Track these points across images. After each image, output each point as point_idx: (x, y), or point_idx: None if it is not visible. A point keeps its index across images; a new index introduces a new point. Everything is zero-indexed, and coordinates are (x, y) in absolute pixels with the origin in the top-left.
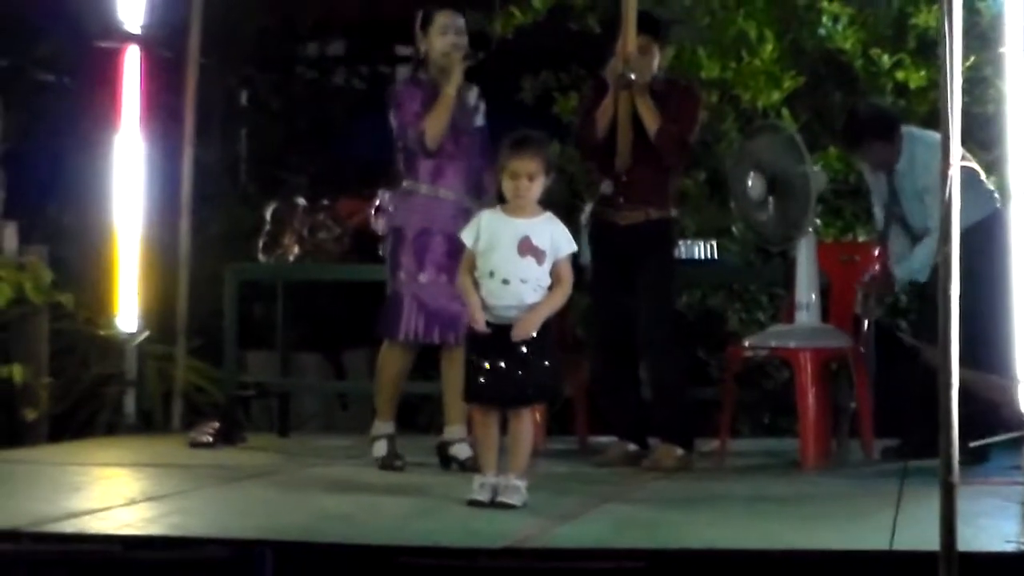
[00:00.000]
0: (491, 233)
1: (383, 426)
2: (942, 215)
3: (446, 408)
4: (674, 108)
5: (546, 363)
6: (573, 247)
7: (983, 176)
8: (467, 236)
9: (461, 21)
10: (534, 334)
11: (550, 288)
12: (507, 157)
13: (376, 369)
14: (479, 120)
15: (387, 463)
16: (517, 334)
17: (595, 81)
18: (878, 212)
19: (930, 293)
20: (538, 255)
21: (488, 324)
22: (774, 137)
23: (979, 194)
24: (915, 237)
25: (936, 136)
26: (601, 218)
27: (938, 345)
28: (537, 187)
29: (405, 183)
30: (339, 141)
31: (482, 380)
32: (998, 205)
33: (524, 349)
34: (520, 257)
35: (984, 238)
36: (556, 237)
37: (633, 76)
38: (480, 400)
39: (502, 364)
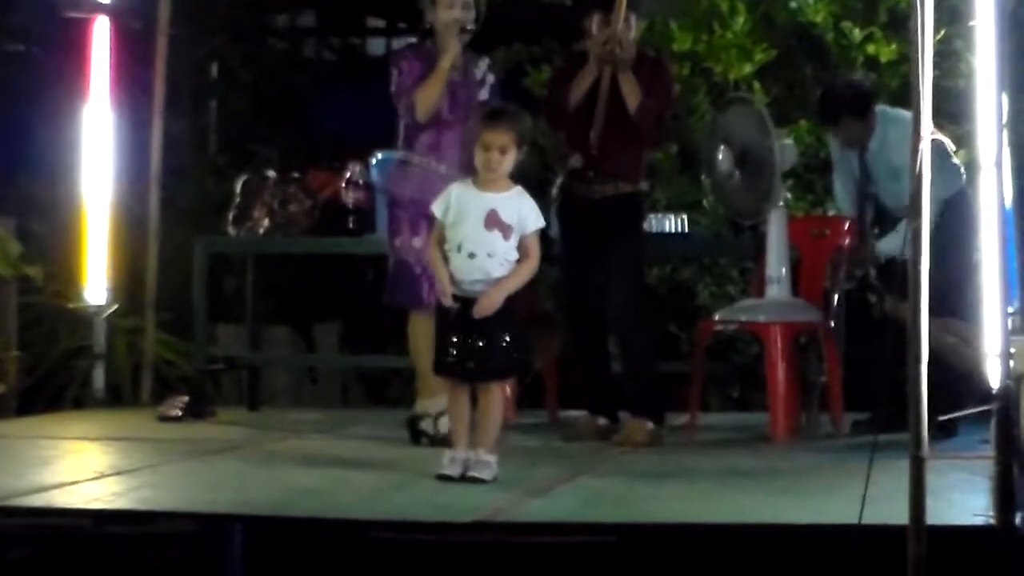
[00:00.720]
0: (460, 206)
1: (437, 402)
2: (912, 188)
3: (424, 377)
4: (645, 80)
5: (512, 337)
6: (541, 223)
7: (952, 152)
8: (438, 208)
9: None
10: (499, 308)
11: (518, 263)
12: (480, 129)
13: (410, 342)
14: (485, 93)
15: (447, 437)
16: (479, 310)
17: (568, 53)
18: (839, 189)
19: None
20: (504, 229)
21: (455, 298)
22: (743, 110)
23: (949, 171)
24: (887, 215)
25: (908, 114)
26: (571, 192)
27: (908, 307)
28: (508, 160)
29: (401, 153)
30: (309, 113)
31: (450, 354)
32: (964, 182)
33: (490, 324)
34: (487, 231)
35: (953, 213)
36: (524, 212)
37: (619, 51)
38: (448, 373)
39: (468, 338)
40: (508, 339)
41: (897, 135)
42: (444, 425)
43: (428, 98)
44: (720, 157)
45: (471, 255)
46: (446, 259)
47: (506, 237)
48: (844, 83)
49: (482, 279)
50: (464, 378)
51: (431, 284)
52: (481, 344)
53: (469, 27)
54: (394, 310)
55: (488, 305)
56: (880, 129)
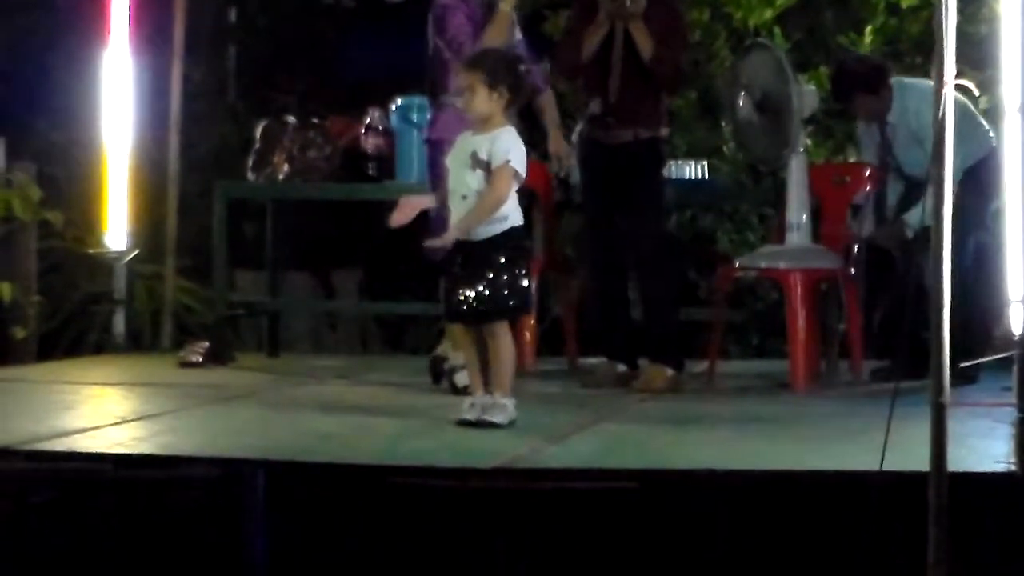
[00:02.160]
0: (456, 153)
1: (459, 355)
2: (935, 134)
3: (449, 329)
4: (658, 27)
5: (505, 279)
6: (508, 158)
7: (977, 115)
8: (448, 159)
9: None
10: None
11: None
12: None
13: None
14: (517, 33)
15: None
16: (430, 244)
17: (580, 1)
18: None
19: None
20: (483, 167)
21: (457, 242)
22: (764, 56)
23: (976, 134)
24: (912, 185)
25: (927, 83)
26: (591, 138)
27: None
28: (478, 100)
29: (444, 96)
30: (329, 59)
31: (451, 298)
32: (994, 143)
33: (480, 266)
34: (471, 172)
35: (983, 176)
36: (495, 146)
37: (631, 4)
38: (454, 318)
39: (466, 281)
40: (505, 280)
41: (916, 103)
42: (462, 379)
43: (497, 41)
44: (740, 103)
45: (463, 197)
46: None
47: (487, 175)
48: (855, 59)
49: None
50: (469, 320)
51: None
52: (479, 285)
53: None
54: (416, 256)
55: (446, 242)
56: (898, 100)
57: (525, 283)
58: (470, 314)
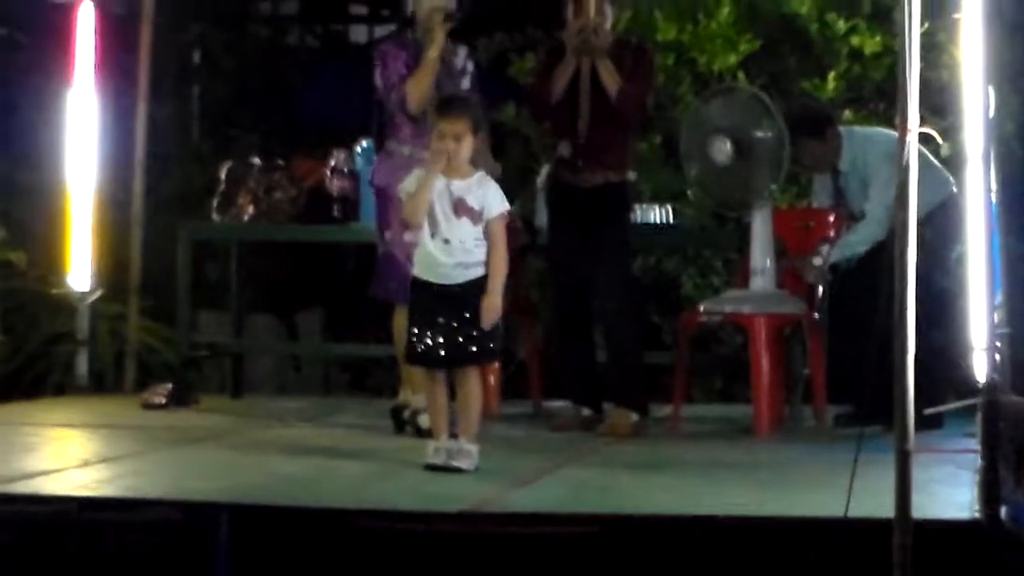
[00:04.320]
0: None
1: (420, 397)
2: (899, 180)
3: (406, 373)
4: (628, 67)
5: (486, 324)
6: (505, 207)
7: (935, 161)
8: (404, 192)
9: None
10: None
11: (488, 250)
12: (434, 118)
13: (395, 336)
14: (466, 83)
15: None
16: (487, 318)
17: (550, 44)
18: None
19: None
20: (473, 215)
21: (430, 285)
22: (733, 99)
23: (934, 178)
24: None
25: (877, 131)
26: (560, 181)
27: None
28: (465, 147)
29: (388, 143)
30: (292, 100)
31: (422, 341)
32: (954, 189)
33: (463, 309)
34: (456, 218)
35: (941, 221)
36: (488, 197)
37: (594, 40)
38: (420, 361)
39: (445, 325)
40: (476, 325)
41: (864, 150)
42: (425, 421)
43: (420, 89)
44: (717, 147)
45: (446, 241)
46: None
47: (475, 223)
48: (799, 105)
49: (461, 262)
50: (439, 365)
51: None
52: (457, 330)
53: (448, 14)
54: (377, 299)
55: (492, 311)
56: (848, 149)
57: (499, 329)
58: (444, 359)
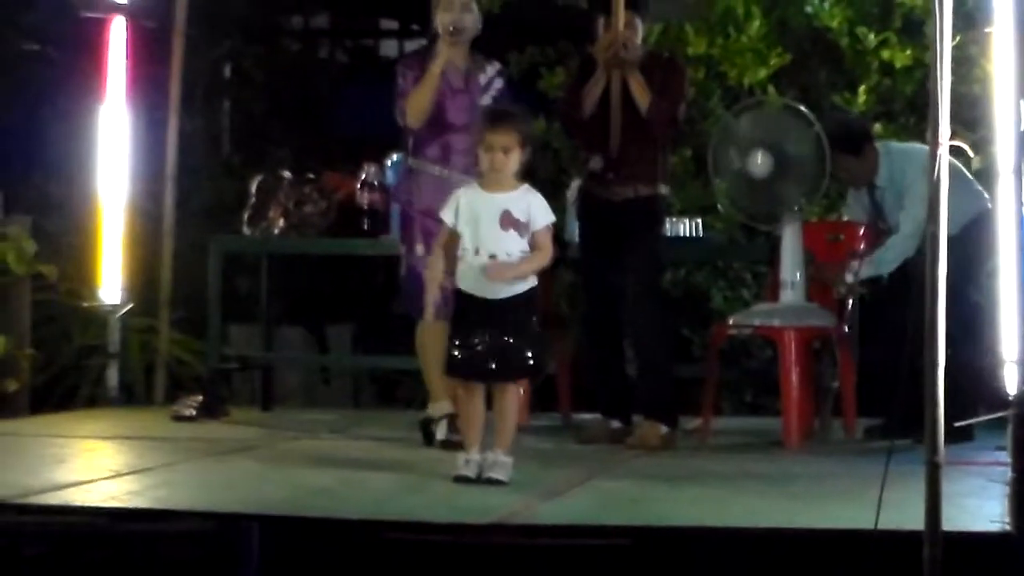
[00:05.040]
0: (471, 209)
1: (440, 406)
2: (930, 194)
3: (432, 384)
4: (659, 81)
5: (530, 338)
6: (551, 218)
7: (969, 175)
8: (447, 215)
9: None
10: (520, 308)
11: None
12: (482, 130)
13: (418, 350)
14: (488, 99)
15: (449, 443)
16: (491, 274)
17: (582, 58)
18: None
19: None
20: (519, 227)
21: (474, 298)
22: (764, 113)
23: (968, 192)
24: None
25: (914, 147)
26: (591, 194)
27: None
28: (513, 160)
29: (411, 161)
30: (323, 114)
31: (464, 354)
32: (988, 204)
33: (511, 323)
34: (503, 231)
35: (975, 235)
36: (534, 208)
37: (624, 54)
38: (461, 374)
39: (487, 338)
40: (527, 339)
41: (901, 164)
42: (442, 431)
43: (417, 103)
44: (759, 160)
45: (491, 256)
46: (452, 266)
47: (521, 235)
48: (835, 121)
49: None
50: (482, 378)
51: (444, 297)
52: (501, 344)
53: (454, 28)
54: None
55: (501, 272)
56: (885, 164)
57: (540, 340)
58: (485, 372)
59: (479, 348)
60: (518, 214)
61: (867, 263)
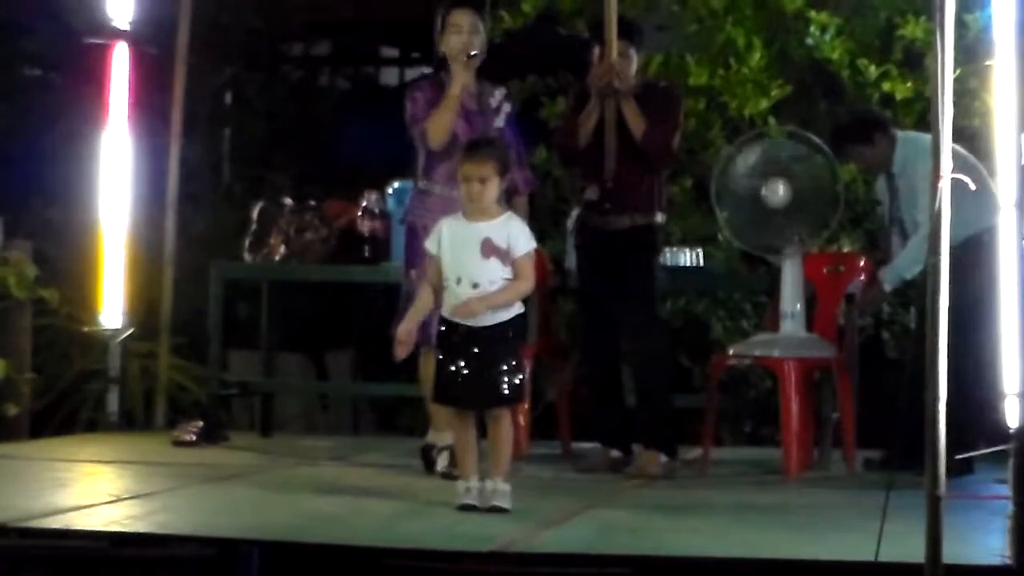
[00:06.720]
0: (453, 240)
1: (442, 436)
2: (931, 226)
3: (433, 413)
4: (655, 110)
5: (509, 366)
6: (531, 245)
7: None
8: (431, 245)
9: (470, 20)
10: (504, 335)
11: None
12: (460, 161)
13: (420, 379)
14: (500, 121)
15: (449, 476)
16: (463, 311)
17: (577, 88)
18: (886, 217)
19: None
20: (501, 255)
21: (459, 327)
22: (768, 145)
23: (986, 203)
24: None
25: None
26: (587, 223)
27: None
28: (490, 189)
29: (421, 183)
30: (324, 141)
31: (450, 381)
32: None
33: (495, 351)
34: (484, 259)
35: (984, 249)
36: (514, 235)
37: (618, 83)
38: (448, 401)
39: (472, 366)
40: (511, 367)
41: (913, 155)
42: (443, 462)
43: (440, 125)
44: (781, 191)
45: (474, 285)
46: (439, 294)
47: (504, 263)
48: (848, 114)
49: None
50: (466, 405)
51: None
52: (484, 371)
53: (472, 53)
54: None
55: (467, 310)
56: (900, 152)
57: (523, 371)
58: (472, 400)
59: (459, 376)
60: (499, 242)
61: (888, 270)
